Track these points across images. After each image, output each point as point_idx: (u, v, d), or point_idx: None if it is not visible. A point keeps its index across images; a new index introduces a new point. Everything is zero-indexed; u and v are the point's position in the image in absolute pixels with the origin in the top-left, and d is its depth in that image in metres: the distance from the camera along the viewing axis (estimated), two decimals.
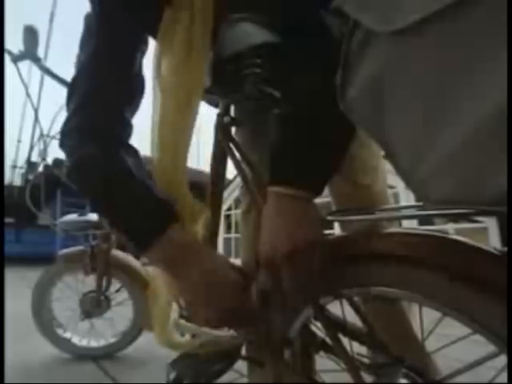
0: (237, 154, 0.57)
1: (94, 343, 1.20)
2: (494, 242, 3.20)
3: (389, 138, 0.30)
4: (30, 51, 0.85)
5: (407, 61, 0.26)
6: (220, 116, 0.59)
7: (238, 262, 0.80)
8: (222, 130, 0.58)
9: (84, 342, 1.20)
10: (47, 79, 0.97)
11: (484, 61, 0.22)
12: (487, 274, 0.32)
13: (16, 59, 0.86)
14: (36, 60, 0.89)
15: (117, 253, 1.14)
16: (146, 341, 1.27)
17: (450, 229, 3.02)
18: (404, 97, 0.27)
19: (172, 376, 0.52)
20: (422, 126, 0.27)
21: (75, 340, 1.19)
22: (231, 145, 0.57)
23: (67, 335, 1.19)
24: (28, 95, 0.98)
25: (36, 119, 0.99)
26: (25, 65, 0.90)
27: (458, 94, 0.24)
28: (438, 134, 0.26)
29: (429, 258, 0.35)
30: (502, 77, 0.21)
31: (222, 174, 0.63)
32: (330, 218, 0.47)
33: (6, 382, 0.89)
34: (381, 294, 0.40)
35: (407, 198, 2.98)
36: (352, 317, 0.49)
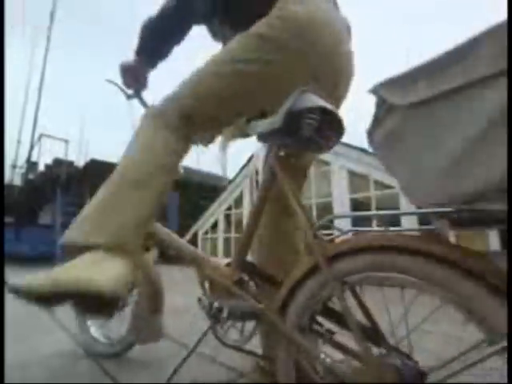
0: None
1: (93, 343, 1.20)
2: (493, 243, 3.21)
3: (395, 167, 0.48)
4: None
5: (413, 123, 0.42)
6: (275, 148, 0.72)
7: None
8: (277, 160, 0.71)
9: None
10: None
11: (476, 140, 0.34)
12: (487, 274, 0.33)
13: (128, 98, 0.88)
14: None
15: None
16: None
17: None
18: (406, 145, 0.44)
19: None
20: (415, 163, 0.43)
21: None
22: (283, 174, 0.68)
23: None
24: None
25: (36, 119, 0.99)
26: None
27: (447, 146, 0.38)
28: (427, 165, 0.41)
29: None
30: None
31: (267, 198, 0.74)
32: (329, 217, 0.48)
33: (6, 382, 0.89)
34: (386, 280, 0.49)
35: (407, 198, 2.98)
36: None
